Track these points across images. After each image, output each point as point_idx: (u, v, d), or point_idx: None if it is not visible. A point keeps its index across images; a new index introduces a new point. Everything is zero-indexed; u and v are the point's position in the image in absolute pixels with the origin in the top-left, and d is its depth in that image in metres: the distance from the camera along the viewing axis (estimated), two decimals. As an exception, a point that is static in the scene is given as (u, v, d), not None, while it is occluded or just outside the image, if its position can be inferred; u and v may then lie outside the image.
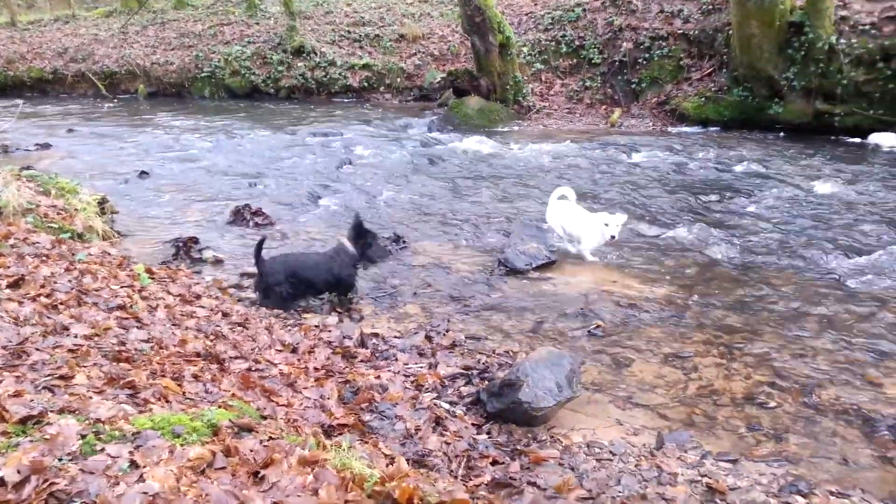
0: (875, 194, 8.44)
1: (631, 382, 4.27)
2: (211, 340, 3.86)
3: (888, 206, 7.98)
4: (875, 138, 11.74)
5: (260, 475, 1.87)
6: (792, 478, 3.20)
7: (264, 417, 2.99)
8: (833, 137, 12.15)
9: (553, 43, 16.27)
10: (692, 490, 3.02)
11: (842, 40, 11.71)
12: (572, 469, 3.16)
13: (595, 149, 11.67)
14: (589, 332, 4.99)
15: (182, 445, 1.99)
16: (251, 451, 2.02)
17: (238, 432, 2.22)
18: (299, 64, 18.74)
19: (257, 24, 20.84)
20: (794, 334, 4.87)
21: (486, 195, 8.89)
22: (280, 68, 18.91)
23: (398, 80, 17.85)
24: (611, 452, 3.35)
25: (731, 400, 4.01)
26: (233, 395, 3.17)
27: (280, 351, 4.04)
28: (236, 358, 3.75)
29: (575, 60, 16.01)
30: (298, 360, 3.96)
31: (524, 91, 15.11)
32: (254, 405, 3.13)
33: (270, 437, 2.23)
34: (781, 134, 12.62)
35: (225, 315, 4.43)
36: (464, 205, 8.45)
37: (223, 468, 1.91)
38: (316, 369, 3.84)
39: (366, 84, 18.11)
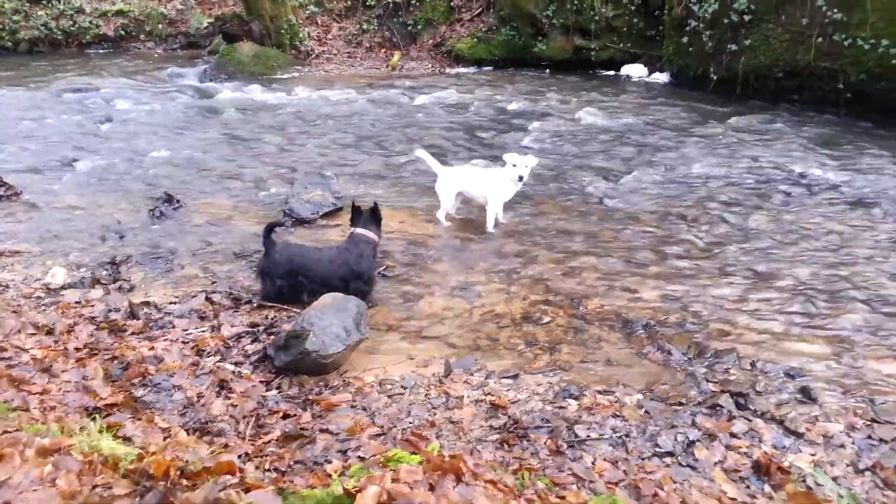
0: (627, 121, 9.34)
1: (421, 317, 4.37)
2: (-61, 334, 3.31)
3: (637, 131, 8.88)
4: (626, 70, 12.96)
5: (-14, 476, 1.62)
6: (565, 384, 3.48)
7: (13, 410, 2.63)
8: (591, 71, 13.20)
9: (325, -16, 15.79)
10: (477, 409, 3.18)
11: (592, -21, 12.64)
12: (364, 409, 3.17)
13: (378, 93, 11.63)
14: (380, 273, 5.01)
15: None
16: (-23, 451, 1.75)
17: (-39, 433, 1.92)
18: (40, 12, 16.37)
19: (-21, -33, 17.80)
20: (564, 254, 5.28)
21: (267, 146, 8.52)
22: (16, 18, 16.37)
23: (160, 26, 16.32)
24: (402, 387, 3.41)
25: (511, 321, 4.25)
26: (-29, 391, 2.75)
27: (33, 334, 3.57)
28: (-25, 349, 3.26)
29: (350, 2, 15.72)
30: (56, 341, 3.53)
31: (300, 35, 14.57)
32: (0, 398, 2.75)
33: (6, 432, 1.96)
34: (547, 70, 13.45)
35: (-43, 303, 3.83)
36: (244, 157, 8.02)
37: (-61, 477, 1.63)
38: (77, 349, 3.46)
39: (123, 32, 16.34)
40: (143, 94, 11.32)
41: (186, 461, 1.77)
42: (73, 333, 3.68)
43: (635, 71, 12.81)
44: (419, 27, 15.05)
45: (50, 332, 3.69)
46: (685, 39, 11.13)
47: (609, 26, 12.85)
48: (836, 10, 9.15)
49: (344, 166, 7.65)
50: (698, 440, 2.93)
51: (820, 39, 9.47)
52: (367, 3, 15.42)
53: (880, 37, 8.73)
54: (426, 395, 3.34)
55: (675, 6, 11.27)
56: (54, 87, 11.58)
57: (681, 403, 3.27)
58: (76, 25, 16.28)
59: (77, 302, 4.23)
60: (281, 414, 3.09)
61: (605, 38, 12.95)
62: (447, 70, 14.13)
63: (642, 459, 2.81)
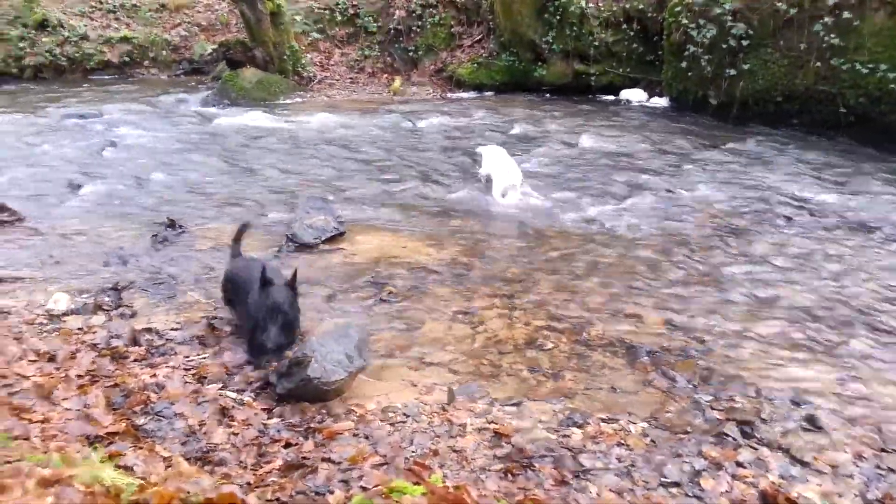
0: (627, 145, 9.39)
1: (423, 343, 4.34)
2: (-59, 361, 3.31)
3: (637, 155, 8.92)
4: (626, 94, 13.05)
5: (-14, 510, 1.61)
6: (569, 412, 3.46)
7: (14, 439, 2.62)
8: (591, 96, 13.30)
9: (327, 11, 15.96)
10: (481, 438, 3.15)
11: (590, 4, 12.77)
12: (367, 437, 3.14)
13: (380, 118, 11.71)
14: (381, 299, 5.00)
15: None
16: (-22, 482, 1.74)
17: (-37, 464, 1.90)
18: (45, 39, 16.51)
19: (-14, -5, 18.02)
20: (566, 279, 5.27)
21: (270, 171, 8.55)
22: (22, 45, 16.51)
23: (164, 53, 16.47)
24: (404, 414, 3.39)
25: (514, 347, 4.24)
26: (-29, 420, 2.74)
27: (34, 361, 3.56)
28: (-24, 377, 3.25)
29: (352, 29, 15.88)
30: (57, 368, 3.52)
31: (303, 61, 14.71)
32: (1, 426, 2.73)
33: (7, 462, 1.94)
34: (547, 95, 13.56)
35: (-40, 330, 3.82)
36: (247, 183, 8.05)
37: (-61, 510, 1.62)
38: (79, 376, 3.44)
39: (127, 59, 16.49)
40: (146, 119, 11.41)
41: (189, 492, 1.76)
42: (75, 360, 3.67)
43: (635, 95, 12.89)
44: (420, 53, 15.20)
45: (52, 359, 3.67)
46: (684, 64, 11.22)
47: (608, 51, 12.96)
48: (833, 35, 9.24)
49: (346, 191, 7.68)
50: (704, 470, 2.90)
51: (818, 64, 9.55)
52: (369, 30, 15.59)
53: (878, 61, 8.81)
54: (429, 422, 3.31)
55: (673, 32, 11.37)
56: (58, 113, 11.67)
57: (686, 432, 3.24)
58: (81, 52, 16.43)
59: (79, 328, 4.21)
60: (283, 442, 3.07)
61: (605, 63, 13.06)
62: (448, 95, 14.24)
63: (648, 490, 2.78)
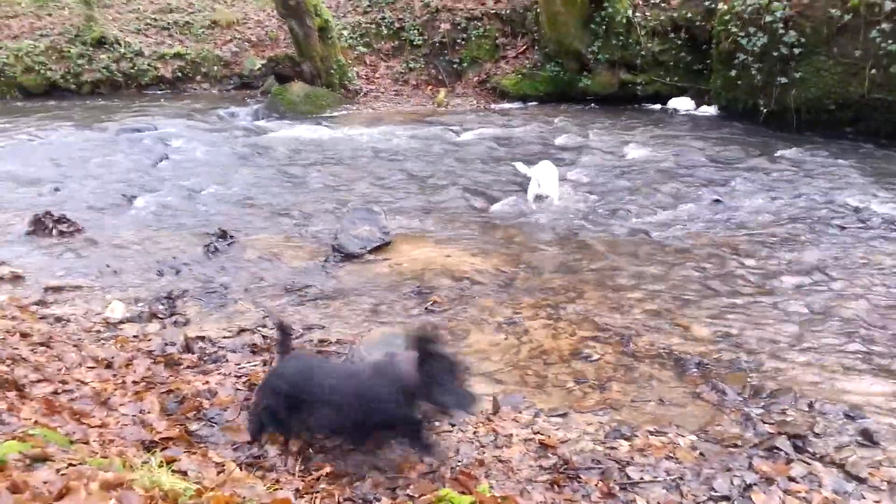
0: (675, 154, 9.27)
1: (468, 353, 4.35)
2: (7, 365, 3.45)
3: (686, 165, 8.80)
4: (673, 103, 12.90)
5: (54, 508, 1.69)
6: (616, 423, 3.43)
7: (74, 442, 2.72)
8: (637, 105, 13.18)
9: (373, 25, 16.21)
10: (527, 448, 3.14)
11: (637, 14, 12.68)
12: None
13: (424, 129, 11.81)
14: (426, 308, 5.04)
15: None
16: (45, 482, 1.82)
17: (30, 464, 1.99)
18: (102, 56, 17.19)
19: (49, 15, 18.77)
20: (611, 289, 5.23)
21: (317, 182, 8.71)
22: (80, 62, 17.23)
23: (215, 68, 16.94)
24: (450, 424, 3.40)
25: (559, 357, 4.22)
26: (35, 422, 2.85)
27: (92, 368, 3.69)
28: (39, 381, 3.37)
29: (397, 42, 16.08)
30: (114, 375, 3.64)
31: (349, 75, 14.95)
32: (62, 430, 2.84)
33: (70, 465, 2.02)
34: (593, 105, 13.48)
35: (24, 336, 3.98)
36: (295, 194, 8.22)
37: (9, 507, 1.70)
38: (135, 382, 3.56)
39: (180, 74, 17.02)
40: (198, 133, 11.73)
41: (244, 497, 1.80)
42: (131, 367, 3.79)
43: (682, 104, 12.73)
44: (465, 65, 15.30)
45: (109, 366, 3.80)
46: (733, 73, 11.04)
47: (655, 60, 12.85)
48: (891, 42, 8.99)
49: (391, 202, 7.76)
50: (755, 484, 2.84)
51: (874, 71, 9.29)
52: (414, 43, 15.77)
53: (937, 68, 8.53)
54: (474, 432, 3.32)
55: (722, 40, 11.21)
56: (114, 127, 12.10)
57: (736, 445, 3.18)
58: (136, 68, 17.03)
59: (135, 336, 4.36)
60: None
61: (652, 73, 12.94)
62: (492, 106, 14.28)
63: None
